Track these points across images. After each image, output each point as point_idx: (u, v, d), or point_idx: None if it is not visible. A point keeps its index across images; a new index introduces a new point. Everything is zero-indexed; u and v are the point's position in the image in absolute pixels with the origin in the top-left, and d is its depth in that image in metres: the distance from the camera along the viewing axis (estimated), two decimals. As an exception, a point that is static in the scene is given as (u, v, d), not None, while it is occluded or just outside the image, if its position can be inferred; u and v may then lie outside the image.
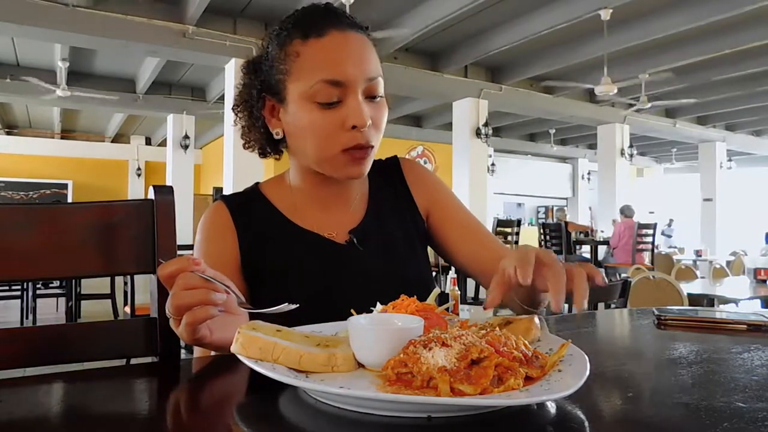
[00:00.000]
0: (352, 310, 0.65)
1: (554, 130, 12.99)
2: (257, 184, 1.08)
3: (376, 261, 1.00)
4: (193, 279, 0.65)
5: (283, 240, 0.99)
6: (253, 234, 0.99)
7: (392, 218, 1.06)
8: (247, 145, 1.03)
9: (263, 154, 1.03)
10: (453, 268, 3.13)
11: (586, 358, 0.57)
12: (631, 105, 8.95)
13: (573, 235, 8.94)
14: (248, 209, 1.02)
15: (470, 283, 5.46)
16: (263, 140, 1.01)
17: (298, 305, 0.71)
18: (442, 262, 5.22)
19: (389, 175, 1.11)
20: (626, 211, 8.07)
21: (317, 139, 0.91)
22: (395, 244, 1.04)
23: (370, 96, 0.92)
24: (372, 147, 0.93)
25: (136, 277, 3.31)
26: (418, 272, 1.04)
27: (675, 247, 11.03)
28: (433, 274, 1.14)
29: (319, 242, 0.99)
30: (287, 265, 0.98)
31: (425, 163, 12.53)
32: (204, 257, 0.97)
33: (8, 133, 13.33)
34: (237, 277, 0.97)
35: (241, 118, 1.01)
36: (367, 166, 0.95)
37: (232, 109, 1.02)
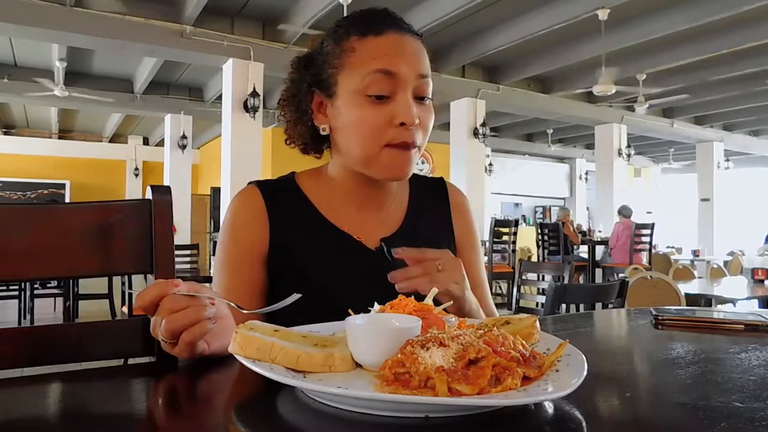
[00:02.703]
0: (350, 310, 0.65)
1: (552, 130, 12.98)
2: (294, 173, 1.07)
3: None
4: (179, 300, 0.66)
5: (314, 237, 0.98)
6: (285, 226, 0.98)
7: (428, 236, 1.04)
8: (289, 141, 1.03)
9: (305, 151, 1.03)
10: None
11: (584, 358, 0.57)
12: (629, 105, 8.96)
13: (571, 235, 8.94)
14: (283, 198, 1.00)
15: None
16: (308, 136, 1.00)
17: (301, 295, 0.71)
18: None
19: (432, 194, 1.11)
20: (624, 211, 8.07)
21: (363, 135, 0.91)
22: None
23: (420, 96, 0.92)
24: (417, 147, 0.92)
25: (133, 276, 3.31)
26: None
27: (673, 247, 11.02)
28: None
29: (350, 245, 0.98)
30: (315, 263, 0.97)
31: (423, 163, 12.52)
32: (229, 245, 0.98)
33: (6, 133, 13.30)
34: (259, 268, 0.97)
35: (287, 113, 1.01)
36: (411, 166, 0.94)
37: (279, 103, 1.03)
